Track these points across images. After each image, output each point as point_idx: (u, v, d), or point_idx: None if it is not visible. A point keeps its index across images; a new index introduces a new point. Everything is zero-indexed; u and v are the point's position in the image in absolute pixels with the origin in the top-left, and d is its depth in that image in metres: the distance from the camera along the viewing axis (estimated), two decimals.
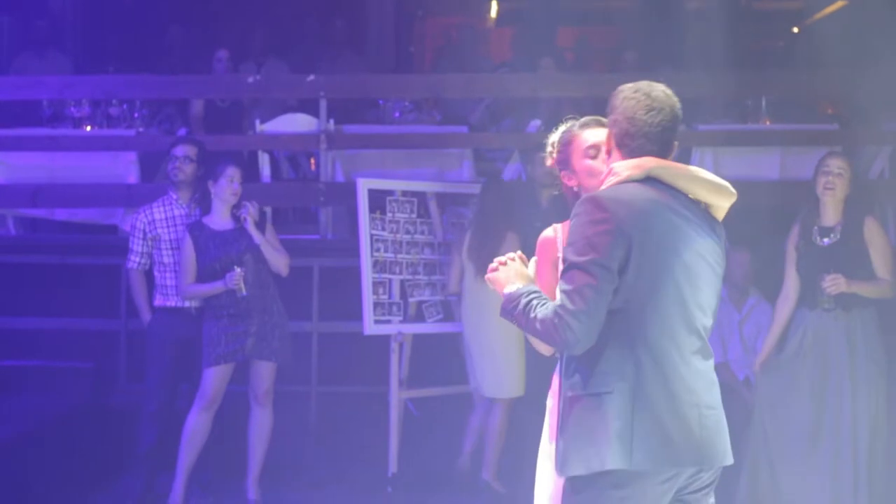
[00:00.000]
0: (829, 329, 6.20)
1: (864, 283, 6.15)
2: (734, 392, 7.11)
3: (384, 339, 7.22)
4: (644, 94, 3.57)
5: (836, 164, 6.22)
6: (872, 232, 6.20)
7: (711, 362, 3.53)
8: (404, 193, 7.48)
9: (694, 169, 3.63)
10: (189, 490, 6.64)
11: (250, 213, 6.60)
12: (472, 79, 9.36)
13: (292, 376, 7.07)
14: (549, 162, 4.00)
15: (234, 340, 6.52)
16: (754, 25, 10.59)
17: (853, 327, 6.19)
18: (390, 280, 7.31)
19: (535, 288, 3.54)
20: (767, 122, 8.63)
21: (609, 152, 3.64)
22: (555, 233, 3.86)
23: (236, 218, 6.62)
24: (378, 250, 7.26)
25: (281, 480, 6.85)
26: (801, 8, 12.21)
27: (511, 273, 3.60)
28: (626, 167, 3.51)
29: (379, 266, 7.26)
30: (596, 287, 3.31)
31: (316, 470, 7.36)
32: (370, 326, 7.17)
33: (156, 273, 6.90)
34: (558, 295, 3.36)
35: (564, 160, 3.86)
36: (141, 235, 6.88)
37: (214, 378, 6.52)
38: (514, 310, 3.48)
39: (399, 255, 7.37)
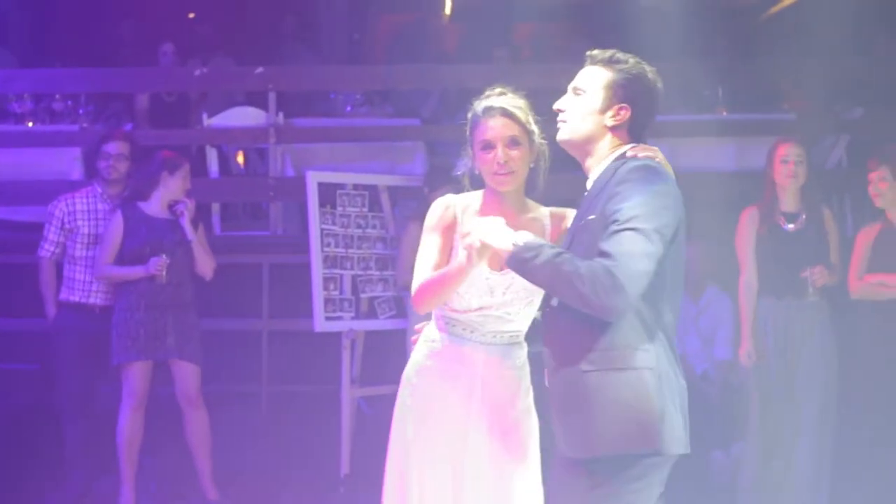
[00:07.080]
0: (797, 318, 6.20)
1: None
2: (692, 386, 7.00)
3: (335, 337, 7.04)
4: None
5: (795, 153, 6.25)
6: (830, 221, 6.31)
7: None
8: (355, 187, 7.30)
9: None
10: (138, 496, 6.42)
11: (188, 208, 6.45)
12: (423, 69, 9.21)
13: (242, 376, 6.91)
14: None
15: (153, 336, 6.30)
16: (710, 17, 10.55)
17: (814, 315, 6.21)
18: (341, 275, 7.11)
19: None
20: (724, 113, 8.56)
21: (617, 124, 3.46)
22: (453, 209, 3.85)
23: (172, 212, 6.44)
24: (329, 245, 7.07)
25: (230, 482, 6.67)
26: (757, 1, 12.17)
27: (503, 226, 3.37)
28: (655, 153, 3.41)
29: (329, 261, 7.06)
30: (653, 255, 3.15)
31: (266, 471, 7.19)
32: (321, 323, 6.97)
33: (65, 265, 6.65)
34: (608, 254, 3.13)
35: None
36: (59, 224, 6.64)
37: (138, 374, 6.31)
38: (533, 258, 3.21)
39: (350, 250, 7.18)
